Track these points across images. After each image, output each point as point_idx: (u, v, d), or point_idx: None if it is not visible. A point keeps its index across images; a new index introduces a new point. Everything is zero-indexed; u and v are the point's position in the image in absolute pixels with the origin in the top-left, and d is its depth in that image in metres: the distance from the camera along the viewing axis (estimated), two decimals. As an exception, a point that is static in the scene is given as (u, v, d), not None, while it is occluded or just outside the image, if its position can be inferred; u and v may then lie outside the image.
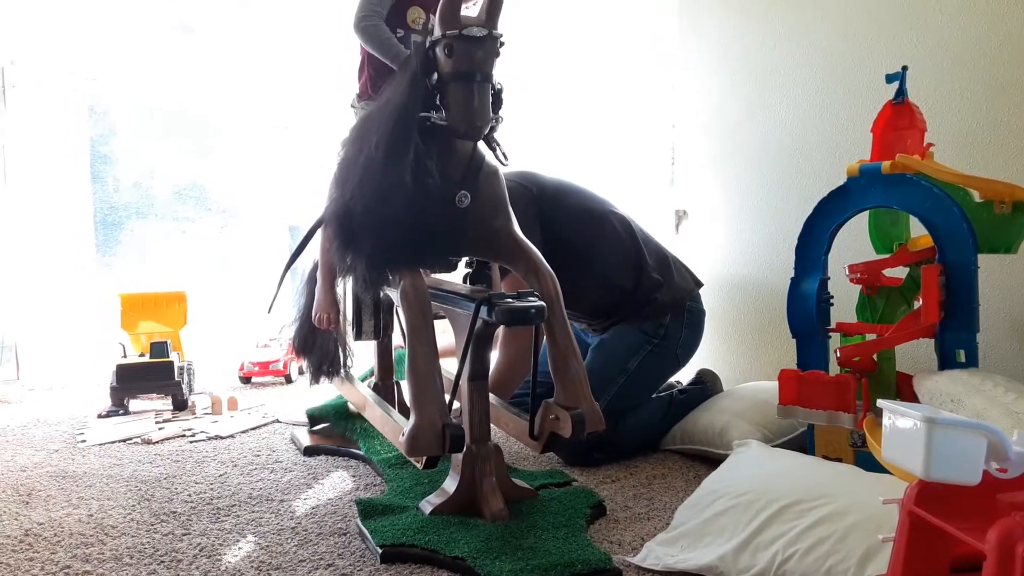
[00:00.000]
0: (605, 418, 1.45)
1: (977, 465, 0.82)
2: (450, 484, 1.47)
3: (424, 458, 1.40)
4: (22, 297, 2.98)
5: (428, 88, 1.41)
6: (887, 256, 1.63)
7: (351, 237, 1.46)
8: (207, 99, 3.64)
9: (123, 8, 3.39)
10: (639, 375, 1.92)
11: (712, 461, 1.74)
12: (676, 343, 1.98)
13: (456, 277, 1.74)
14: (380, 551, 1.31)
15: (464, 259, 1.69)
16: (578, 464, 1.82)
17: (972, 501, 0.84)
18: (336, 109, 2.25)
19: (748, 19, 2.30)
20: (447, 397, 1.40)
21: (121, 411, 2.42)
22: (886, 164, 1.50)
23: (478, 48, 1.37)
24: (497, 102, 1.45)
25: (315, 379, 2.05)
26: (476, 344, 1.46)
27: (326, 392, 2.24)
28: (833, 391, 1.49)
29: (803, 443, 1.65)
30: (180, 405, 2.45)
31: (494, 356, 1.86)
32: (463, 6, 1.41)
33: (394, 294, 1.52)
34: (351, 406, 2.08)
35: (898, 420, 0.87)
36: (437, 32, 1.39)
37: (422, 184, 1.39)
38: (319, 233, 1.84)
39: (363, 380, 2.06)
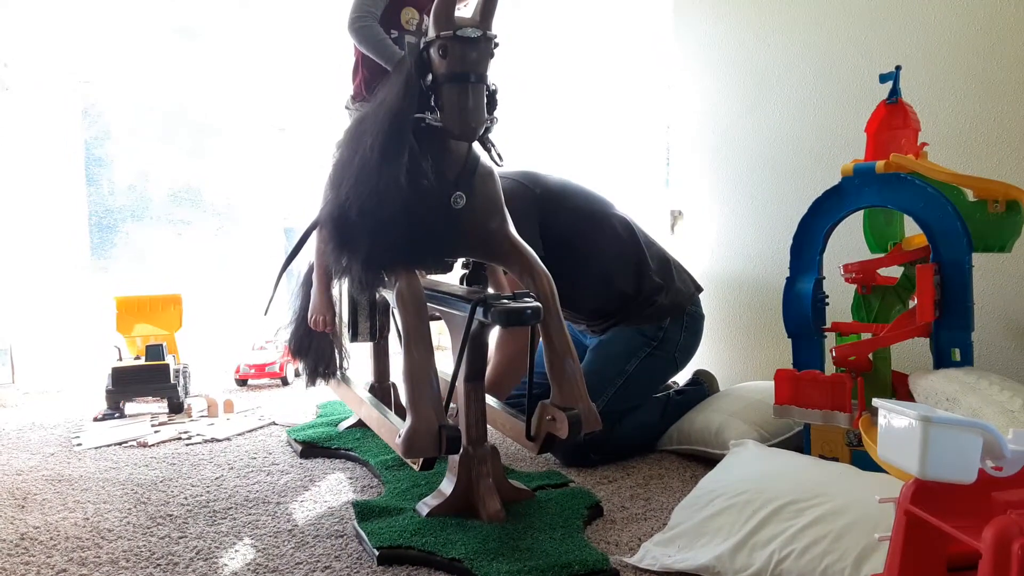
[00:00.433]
0: (603, 420, 1.45)
1: (973, 464, 0.82)
2: (447, 486, 1.47)
3: (420, 460, 1.40)
4: (17, 300, 2.97)
5: (423, 89, 1.40)
6: (882, 255, 1.64)
7: (346, 239, 1.46)
8: (202, 101, 3.63)
9: (117, 10, 3.39)
10: (637, 377, 1.92)
11: (709, 461, 1.75)
12: (675, 346, 1.98)
13: (452, 278, 1.74)
14: (377, 553, 1.31)
15: (460, 260, 1.69)
16: (575, 465, 1.82)
17: (968, 499, 0.84)
18: (331, 110, 2.25)
19: (742, 20, 2.31)
20: (443, 398, 1.40)
21: (117, 414, 2.41)
22: (880, 164, 1.50)
23: (472, 49, 1.37)
24: (492, 103, 1.45)
25: (311, 381, 2.04)
26: (472, 345, 1.45)
27: (323, 394, 2.24)
28: (829, 391, 1.49)
29: (799, 442, 1.66)
30: (176, 408, 2.44)
31: (490, 357, 1.86)
32: (457, 7, 1.40)
33: (390, 295, 1.52)
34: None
35: (894, 419, 0.87)
36: (431, 33, 1.39)
37: (417, 185, 1.38)
38: (315, 235, 1.84)
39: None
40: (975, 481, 0.83)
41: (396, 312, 1.45)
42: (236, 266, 3.80)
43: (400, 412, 1.88)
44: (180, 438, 2.17)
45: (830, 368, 1.57)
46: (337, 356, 2.00)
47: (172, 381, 2.43)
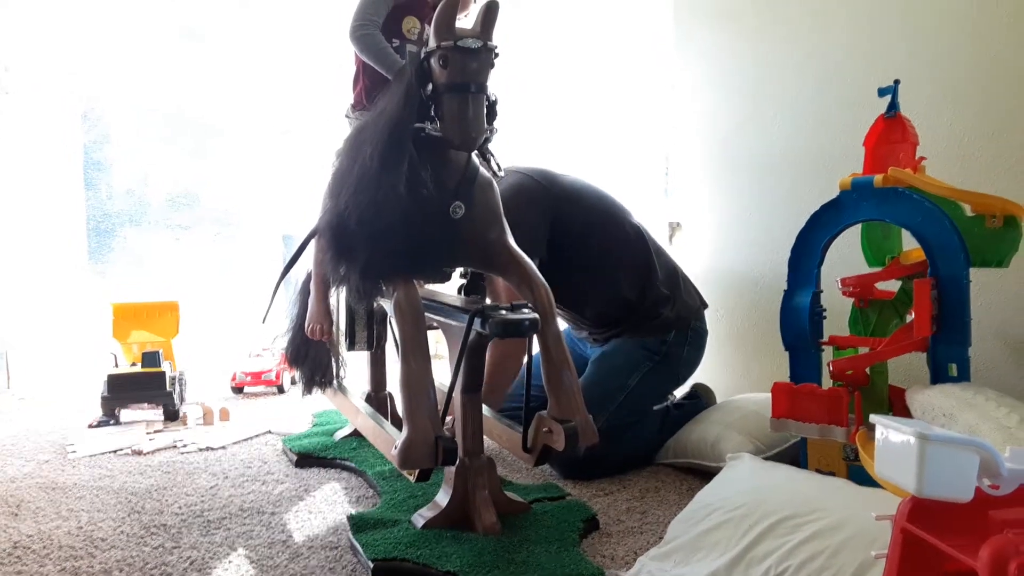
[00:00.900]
0: (604, 435, 1.44)
1: (970, 482, 0.82)
2: (443, 497, 1.47)
3: (416, 471, 1.39)
4: (13, 305, 2.96)
5: (423, 99, 1.40)
6: (879, 269, 1.64)
7: (345, 248, 1.45)
8: (202, 105, 3.64)
9: (117, 14, 3.40)
10: (639, 392, 1.91)
11: (705, 474, 1.74)
12: (678, 361, 1.98)
13: (450, 288, 1.74)
14: (372, 565, 1.30)
15: (458, 269, 1.69)
16: (574, 478, 1.81)
17: (964, 518, 0.84)
18: (331, 116, 2.25)
19: (741, 32, 2.32)
20: (440, 409, 1.40)
21: (112, 421, 2.40)
22: (878, 178, 1.50)
23: (473, 59, 1.37)
24: (492, 113, 1.45)
25: (307, 390, 2.04)
26: (469, 356, 1.45)
27: (319, 403, 2.23)
28: (826, 404, 1.49)
29: (796, 454, 1.65)
30: (171, 415, 2.43)
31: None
32: (457, 17, 1.41)
33: (387, 305, 1.51)
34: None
35: (891, 435, 0.87)
36: (432, 43, 1.39)
37: (416, 195, 1.38)
38: (313, 244, 1.84)
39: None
40: (972, 499, 0.82)
41: (393, 321, 1.44)
42: (234, 273, 3.79)
43: (396, 422, 1.88)
44: (175, 446, 2.16)
45: (827, 382, 1.57)
46: (334, 365, 2.00)
47: (168, 388, 2.42)
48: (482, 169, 1.52)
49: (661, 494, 1.71)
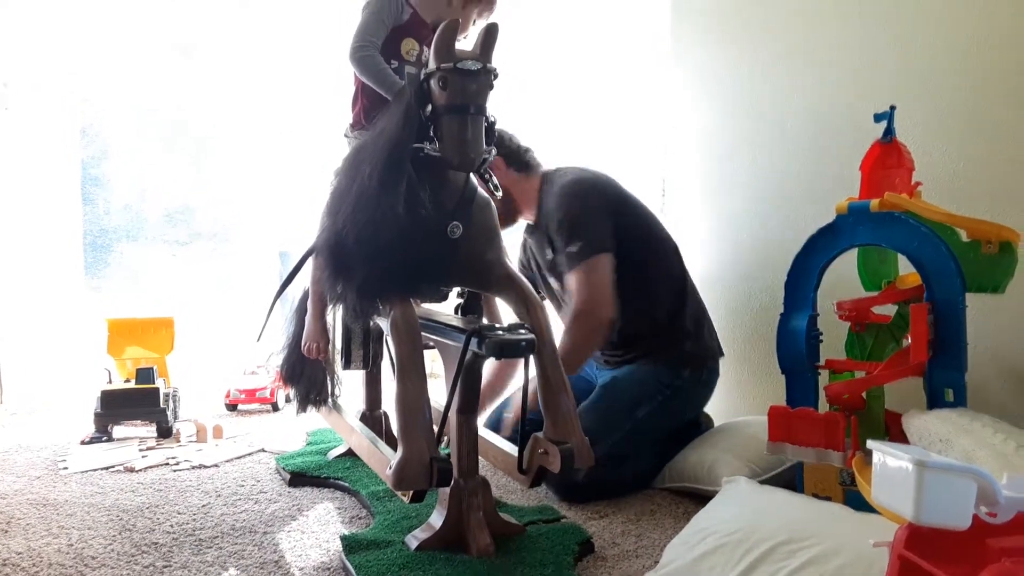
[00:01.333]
0: (602, 461, 1.43)
1: (967, 509, 0.82)
2: (436, 518, 1.46)
3: (411, 492, 1.38)
4: (7, 319, 2.95)
5: (422, 119, 1.41)
6: (876, 294, 1.64)
7: (342, 266, 1.45)
8: (200, 120, 3.65)
9: (117, 31, 3.41)
10: (646, 425, 1.87)
11: (701, 498, 1.73)
12: (687, 399, 1.96)
13: (447, 307, 1.74)
14: (364, 587, 1.29)
15: (455, 289, 1.69)
16: (571, 500, 1.79)
17: (962, 545, 0.83)
18: (329, 134, 2.25)
19: (738, 52, 2.33)
20: (436, 428, 1.39)
21: (104, 438, 2.39)
22: (874, 202, 1.51)
23: (472, 81, 1.38)
24: (490, 135, 1.46)
25: (302, 408, 2.03)
26: (466, 377, 1.45)
27: (313, 421, 2.22)
28: (822, 429, 1.49)
29: (792, 477, 1.65)
30: (164, 432, 2.42)
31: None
32: (456, 39, 1.42)
33: (384, 323, 1.51)
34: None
35: (888, 461, 0.87)
36: (432, 64, 1.40)
37: (414, 214, 1.39)
38: (310, 262, 1.84)
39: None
40: (969, 527, 0.82)
41: (390, 340, 1.44)
42: (230, 289, 3.79)
43: (391, 441, 1.87)
44: (167, 463, 2.15)
45: (823, 405, 1.57)
46: (329, 383, 1.99)
47: (161, 405, 2.40)
48: (480, 189, 1.52)
49: (657, 517, 1.70)
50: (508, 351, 1.35)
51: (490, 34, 1.41)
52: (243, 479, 2.00)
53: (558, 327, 1.76)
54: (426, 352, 1.48)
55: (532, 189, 2.05)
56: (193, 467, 2.12)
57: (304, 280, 1.93)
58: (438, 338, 1.57)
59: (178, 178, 3.74)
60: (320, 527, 1.63)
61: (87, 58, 3.34)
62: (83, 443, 2.36)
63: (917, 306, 1.43)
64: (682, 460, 1.87)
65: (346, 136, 1.86)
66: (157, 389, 2.41)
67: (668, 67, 2.60)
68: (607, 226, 1.91)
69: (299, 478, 1.95)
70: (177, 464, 2.14)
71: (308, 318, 1.87)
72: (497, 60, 1.42)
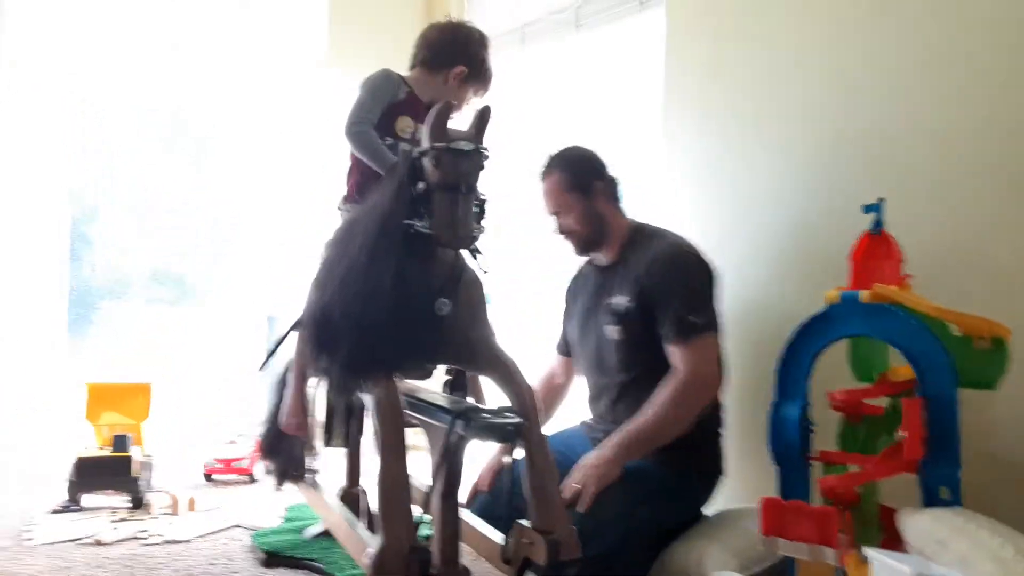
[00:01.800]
0: (593, 561, 1.38)
1: (969, 628, 0.78)
2: (415, 609, 1.39)
3: (388, 581, 1.32)
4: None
5: (414, 196, 1.41)
6: (868, 385, 1.62)
7: (327, 340, 1.43)
8: (190, 187, 3.67)
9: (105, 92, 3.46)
10: (644, 528, 1.73)
11: (689, 590, 1.67)
12: (687, 507, 1.87)
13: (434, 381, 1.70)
14: None
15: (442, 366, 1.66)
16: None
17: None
18: (322, 204, 2.25)
19: (727, 137, 2.36)
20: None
21: (75, 507, 2.30)
22: (864, 293, 1.50)
23: (465, 161, 1.39)
24: (481, 213, 1.46)
25: (280, 483, 1.97)
26: (450, 461, 1.41)
27: (291, 495, 2.15)
28: (816, 524, 1.43)
29: (783, 570, 1.59)
30: (137, 503, 2.34)
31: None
32: (449, 118, 1.43)
33: (367, 398, 1.48)
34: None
35: (887, 574, 0.83)
36: (425, 143, 1.41)
37: (402, 290, 1.37)
38: (295, 334, 1.81)
39: None
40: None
41: (373, 418, 1.40)
42: (216, 353, 3.74)
43: (370, 517, 1.80)
44: (138, 537, 2.06)
45: (816, 497, 1.53)
46: (308, 459, 1.94)
47: (134, 475, 2.33)
48: (469, 267, 1.51)
49: (643, 611, 1.63)
50: (495, 436, 1.32)
51: (483, 117, 1.43)
52: (215, 557, 1.92)
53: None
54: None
55: (621, 229, 1.97)
56: (165, 542, 2.04)
57: (289, 351, 1.89)
58: (423, 418, 1.54)
59: (164, 238, 3.75)
60: (292, 614, 1.56)
61: (77, 114, 3.37)
62: (55, 512, 2.28)
63: (910, 401, 1.40)
64: (671, 551, 1.80)
65: (339, 209, 1.86)
66: (130, 457, 2.35)
67: (658, 143, 2.61)
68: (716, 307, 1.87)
69: (274, 558, 1.88)
70: (148, 538, 2.06)
71: (287, 393, 1.83)
72: (488, 143, 1.43)
